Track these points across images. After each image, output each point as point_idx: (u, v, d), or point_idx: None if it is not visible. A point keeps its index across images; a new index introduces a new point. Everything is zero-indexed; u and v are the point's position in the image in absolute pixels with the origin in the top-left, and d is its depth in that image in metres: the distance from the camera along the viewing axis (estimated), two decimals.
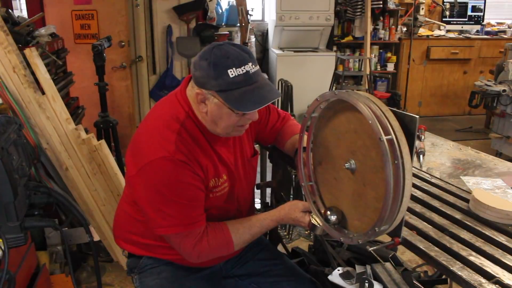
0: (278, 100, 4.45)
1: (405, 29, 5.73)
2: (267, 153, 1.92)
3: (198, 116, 1.25)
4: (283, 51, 5.20)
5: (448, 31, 5.91)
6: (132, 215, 1.36)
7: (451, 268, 1.04)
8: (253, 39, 5.11)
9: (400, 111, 1.02)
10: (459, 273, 1.02)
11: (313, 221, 1.27)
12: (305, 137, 1.31)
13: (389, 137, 0.95)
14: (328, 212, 1.20)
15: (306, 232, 2.91)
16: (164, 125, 1.23)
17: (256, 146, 1.58)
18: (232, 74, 1.12)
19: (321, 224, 1.24)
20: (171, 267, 1.38)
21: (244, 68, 1.13)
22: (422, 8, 5.58)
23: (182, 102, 1.26)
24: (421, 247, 1.13)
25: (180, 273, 1.38)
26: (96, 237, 2.27)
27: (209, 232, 1.26)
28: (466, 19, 5.96)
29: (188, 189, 1.20)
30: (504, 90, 3.88)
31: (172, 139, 1.19)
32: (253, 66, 1.15)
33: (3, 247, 1.27)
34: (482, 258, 1.08)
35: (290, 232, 2.87)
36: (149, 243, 1.37)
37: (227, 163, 1.33)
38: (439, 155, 1.88)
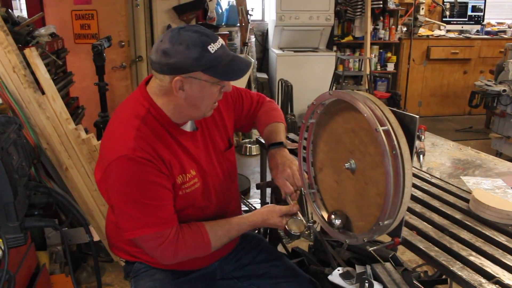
0: (278, 100, 4.46)
1: (405, 29, 5.73)
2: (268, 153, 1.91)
3: (164, 109, 1.21)
4: (283, 51, 5.21)
5: (448, 31, 5.91)
6: (115, 223, 1.34)
7: (451, 268, 1.04)
8: (253, 39, 5.11)
9: (400, 111, 1.02)
10: (459, 273, 1.02)
11: (287, 227, 1.26)
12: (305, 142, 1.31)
13: (385, 127, 0.95)
14: (332, 216, 1.19)
15: (306, 232, 2.91)
16: (123, 124, 1.20)
17: (256, 146, 1.58)
18: (212, 50, 1.13)
19: (297, 232, 1.24)
20: (164, 269, 1.37)
21: (219, 42, 1.15)
22: (422, 8, 5.58)
23: (142, 100, 1.22)
24: (421, 247, 1.13)
25: (173, 275, 1.37)
26: (96, 237, 2.27)
27: (185, 232, 1.21)
28: (466, 19, 5.96)
29: (151, 188, 1.15)
30: (504, 90, 3.88)
31: (131, 136, 1.15)
32: (221, 40, 1.18)
33: (3, 247, 1.27)
34: (482, 258, 1.08)
35: None
36: (136, 250, 1.35)
37: (195, 158, 1.29)
38: (439, 155, 1.88)
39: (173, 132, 1.24)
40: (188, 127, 1.31)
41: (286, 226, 1.27)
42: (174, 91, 1.16)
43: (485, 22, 5.94)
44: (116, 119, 1.26)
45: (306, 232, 1.26)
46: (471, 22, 5.97)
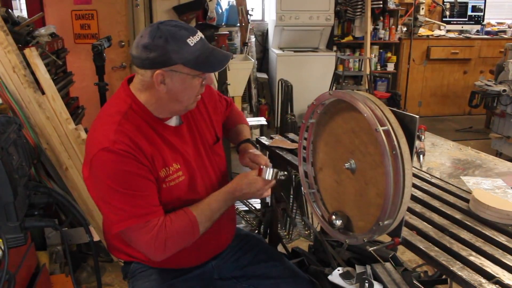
0: (278, 99, 4.45)
1: (405, 29, 5.73)
2: (267, 153, 1.92)
3: (147, 104, 1.23)
4: (283, 51, 5.20)
5: (448, 31, 5.91)
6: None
7: (451, 268, 1.04)
8: (253, 39, 5.11)
9: (400, 111, 1.02)
10: (459, 273, 1.02)
11: (262, 176, 1.27)
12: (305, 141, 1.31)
13: (385, 127, 0.95)
14: (333, 217, 1.19)
15: (306, 232, 2.91)
16: (105, 120, 1.22)
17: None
18: (191, 43, 1.16)
19: (273, 174, 1.26)
20: (160, 269, 1.37)
21: (198, 35, 1.18)
22: (422, 8, 5.58)
23: (125, 97, 1.24)
24: (421, 247, 1.13)
25: (170, 275, 1.37)
26: (96, 237, 2.27)
27: (172, 219, 1.20)
28: (466, 19, 5.96)
29: (134, 179, 1.16)
30: (504, 90, 3.88)
31: (112, 130, 1.17)
32: (200, 33, 1.20)
33: (3, 247, 1.27)
34: (482, 258, 1.08)
35: (290, 232, 2.87)
36: (133, 249, 1.34)
37: (181, 152, 1.29)
38: (439, 155, 1.88)
39: (156, 127, 1.25)
40: (172, 122, 1.31)
41: (261, 175, 1.28)
42: (156, 85, 1.17)
43: (485, 22, 5.94)
44: (99, 117, 1.27)
45: (282, 176, 1.32)
46: (471, 22, 5.97)
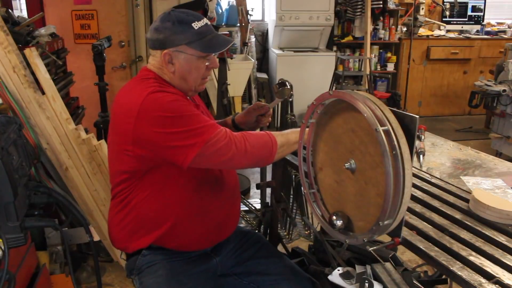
0: None
1: (405, 29, 5.73)
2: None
3: (166, 79, 1.34)
4: (283, 51, 5.20)
5: (448, 31, 5.91)
6: (118, 204, 1.38)
7: (451, 268, 1.04)
8: (253, 39, 5.11)
9: (400, 111, 1.02)
10: (459, 273, 1.02)
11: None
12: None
13: (385, 127, 0.95)
14: (334, 217, 1.19)
15: (306, 232, 2.91)
16: (137, 83, 1.31)
17: None
18: (196, 27, 1.29)
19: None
20: (167, 264, 1.38)
21: (203, 21, 1.32)
22: (422, 8, 5.58)
23: (147, 72, 1.34)
24: (421, 247, 1.13)
25: (176, 270, 1.38)
26: (96, 237, 2.27)
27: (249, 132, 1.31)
28: (466, 19, 5.96)
29: (186, 103, 1.27)
30: (504, 90, 3.88)
31: (149, 84, 1.27)
32: (206, 20, 1.33)
33: (3, 247, 1.27)
34: (482, 258, 1.08)
35: (290, 232, 2.87)
36: (139, 226, 1.36)
37: None
38: (439, 155, 1.87)
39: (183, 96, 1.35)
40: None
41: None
42: (164, 64, 1.31)
43: (485, 22, 5.94)
44: (126, 87, 1.34)
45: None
46: (471, 22, 5.97)
